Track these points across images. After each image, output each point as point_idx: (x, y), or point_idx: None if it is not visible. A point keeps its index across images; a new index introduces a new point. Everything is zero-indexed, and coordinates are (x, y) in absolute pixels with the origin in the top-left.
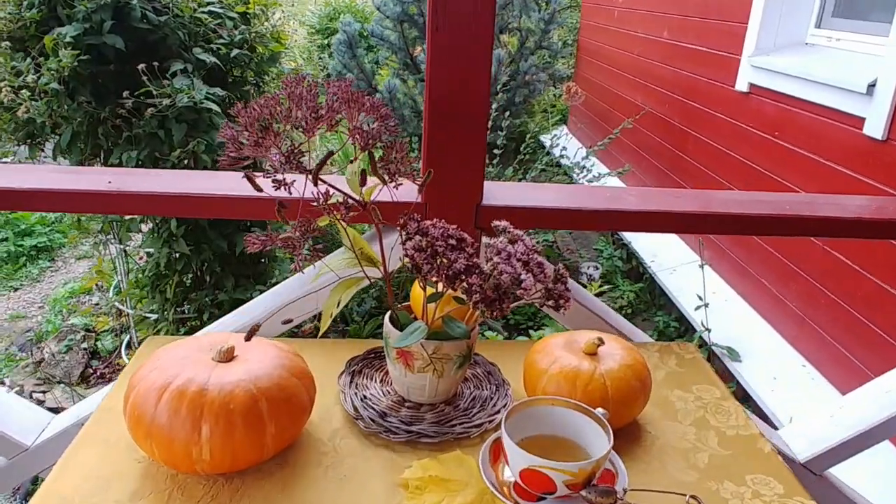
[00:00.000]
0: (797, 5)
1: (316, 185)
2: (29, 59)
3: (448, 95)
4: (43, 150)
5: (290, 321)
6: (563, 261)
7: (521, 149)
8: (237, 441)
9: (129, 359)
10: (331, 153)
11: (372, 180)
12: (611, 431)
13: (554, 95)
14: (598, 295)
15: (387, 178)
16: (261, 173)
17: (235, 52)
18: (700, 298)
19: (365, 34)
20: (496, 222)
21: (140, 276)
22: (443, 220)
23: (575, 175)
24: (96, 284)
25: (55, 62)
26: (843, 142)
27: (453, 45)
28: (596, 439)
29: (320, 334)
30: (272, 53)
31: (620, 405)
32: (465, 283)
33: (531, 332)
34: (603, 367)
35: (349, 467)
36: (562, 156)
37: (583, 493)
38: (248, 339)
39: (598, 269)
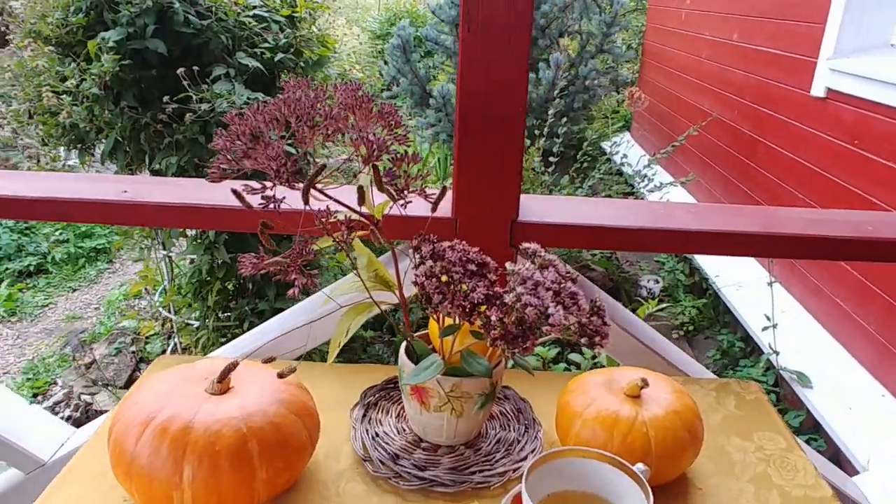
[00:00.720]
0: (880, 4)
1: (306, 202)
2: (73, 64)
3: (481, 98)
4: (93, 156)
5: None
6: (621, 273)
7: (579, 156)
8: (223, 486)
9: None
10: (322, 167)
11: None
12: (650, 492)
13: (616, 101)
14: (657, 311)
15: (394, 193)
16: (256, 186)
17: (280, 56)
18: (768, 318)
19: (420, 38)
20: (525, 245)
21: (184, 282)
22: (463, 242)
23: (636, 184)
24: (144, 289)
25: (97, 67)
26: None
27: (487, 40)
28: (633, 500)
29: (329, 362)
30: (318, 58)
31: (664, 459)
32: (483, 317)
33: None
34: (646, 412)
35: None
36: (623, 163)
37: None
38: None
39: (658, 282)
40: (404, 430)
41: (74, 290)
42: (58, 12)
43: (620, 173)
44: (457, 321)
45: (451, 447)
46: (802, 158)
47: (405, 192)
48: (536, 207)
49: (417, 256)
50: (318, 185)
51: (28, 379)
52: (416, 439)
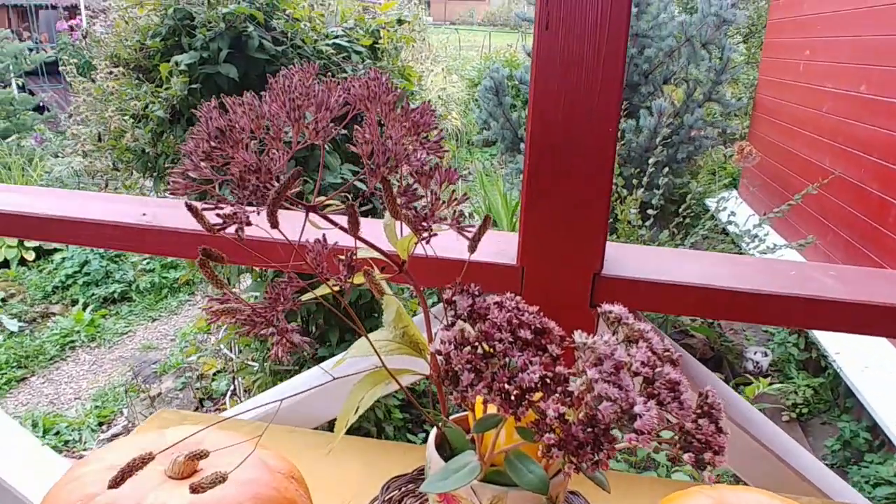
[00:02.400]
0: None
1: (273, 223)
2: (146, 88)
3: (560, 121)
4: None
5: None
6: (724, 342)
7: (681, 210)
8: None
9: (231, 406)
10: (298, 172)
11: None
12: None
13: (724, 155)
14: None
15: (413, 219)
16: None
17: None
18: None
19: (513, 81)
20: (606, 307)
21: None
22: (519, 298)
23: (744, 245)
24: (216, 325)
25: (165, 89)
26: None
27: (569, 50)
28: None
29: (330, 449)
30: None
31: None
32: (535, 410)
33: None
34: None
35: None
36: (729, 222)
37: None
38: (112, 486)
39: (767, 355)
40: None
41: (154, 320)
42: (136, 36)
43: (726, 232)
44: (499, 412)
45: None
46: None
47: (429, 220)
48: (627, 259)
49: (450, 314)
50: (319, 207)
51: (96, 406)
52: None
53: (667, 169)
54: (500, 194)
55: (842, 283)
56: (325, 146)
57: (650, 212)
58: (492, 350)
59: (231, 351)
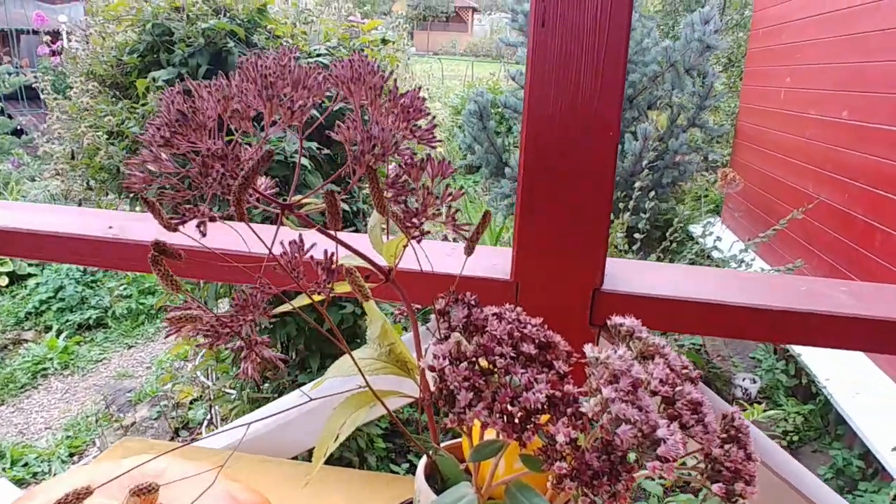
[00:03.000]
0: None
1: (240, 215)
2: (121, 104)
3: (556, 124)
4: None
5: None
6: (712, 369)
7: (668, 234)
8: None
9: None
10: (269, 153)
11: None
12: None
13: (707, 181)
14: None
15: (402, 216)
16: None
17: (341, 105)
18: None
19: (497, 109)
20: (616, 319)
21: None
22: (520, 309)
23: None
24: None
25: (142, 106)
26: None
27: (566, 48)
28: None
29: (306, 482)
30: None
31: None
32: (543, 435)
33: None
34: None
35: None
36: (714, 247)
37: None
38: None
39: (755, 382)
40: None
41: (130, 347)
42: (113, 52)
43: (711, 258)
44: (500, 437)
45: None
46: None
47: (421, 216)
48: (628, 274)
49: (444, 326)
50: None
51: (68, 436)
52: None
53: (652, 193)
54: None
55: (856, 298)
56: (304, 151)
57: (637, 236)
58: (492, 366)
59: (208, 378)
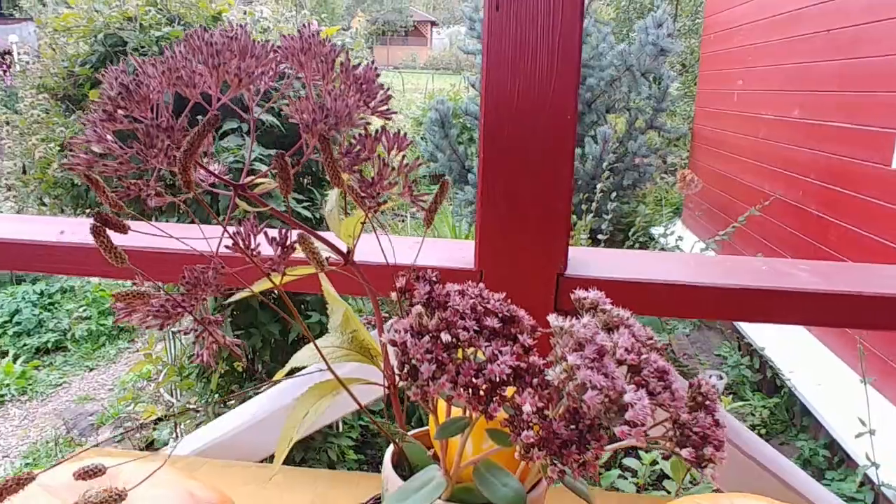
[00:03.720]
0: None
1: (187, 184)
2: (74, 116)
3: (514, 109)
4: None
5: None
6: (678, 367)
7: (631, 236)
8: None
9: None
10: (216, 117)
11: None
12: None
13: (667, 183)
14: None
15: (358, 187)
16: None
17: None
18: (863, 423)
19: (459, 119)
20: (580, 293)
21: (186, 362)
22: (482, 285)
23: None
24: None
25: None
26: None
27: (521, 31)
28: None
29: (271, 477)
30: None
31: None
32: (510, 406)
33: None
34: None
35: None
36: (676, 246)
37: None
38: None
39: (721, 378)
40: None
41: (91, 370)
42: (64, 63)
43: None
44: (467, 413)
45: None
46: (885, 239)
47: (377, 187)
48: (592, 260)
49: (406, 304)
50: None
51: (27, 464)
52: None
53: (614, 195)
54: (449, 228)
55: (816, 275)
56: (255, 110)
57: (600, 237)
58: (455, 340)
59: (172, 396)
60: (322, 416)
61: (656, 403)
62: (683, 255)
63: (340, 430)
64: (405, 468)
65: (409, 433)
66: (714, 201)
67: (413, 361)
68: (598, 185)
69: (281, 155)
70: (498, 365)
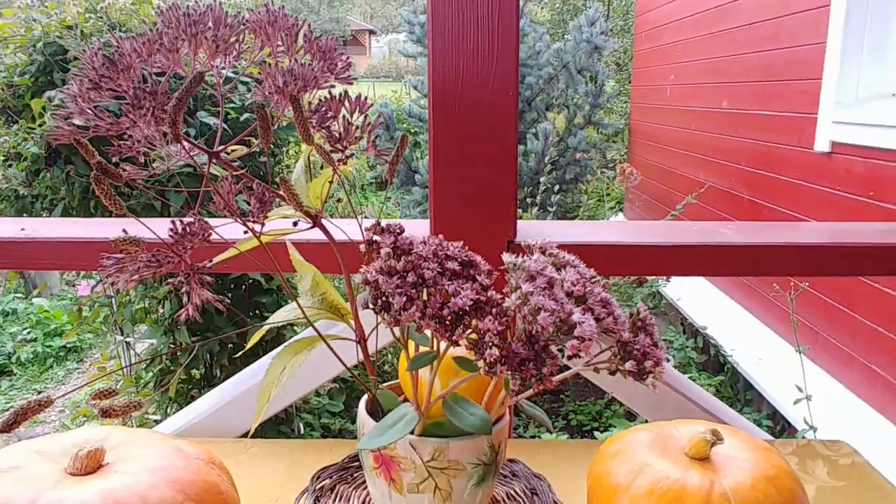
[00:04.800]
0: (877, 54)
1: (176, 136)
2: (17, 126)
3: (459, 90)
4: None
5: None
6: None
7: None
8: None
9: None
10: (200, 75)
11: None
12: None
13: (608, 178)
14: None
15: (328, 140)
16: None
17: (246, 116)
18: (800, 390)
19: (402, 121)
20: (530, 241)
21: (143, 371)
22: (441, 236)
23: None
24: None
25: (40, 125)
26: None
27: (462, 16)
28: None
29: (251, 432)
30: (290, 121)
31: None
32: (472, 332)
33: (596, 434)
34: (725, 480)
35: None
36: None
37: None
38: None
39: (669, 361)
40: None
41: (39, 393)
42: (3, 74)
43: None
44: (435, 346)
45: None
46: (812, 217)
47: (344, 141)
48: (540, 229)
49: (374, 254)
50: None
51: None
52: None
53: (557, 187)
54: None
55: (740, 233)
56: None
57: None
58: (420, 279)
59: None
60: (300, 379)
61: (601, 328)
62: (622, 222)
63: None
64: (378, 414)
65: (385, 385)
66: (653, 193)
67: (385, 296)
68: (542, 179)
69: (261, 106)
70: (460, 298)
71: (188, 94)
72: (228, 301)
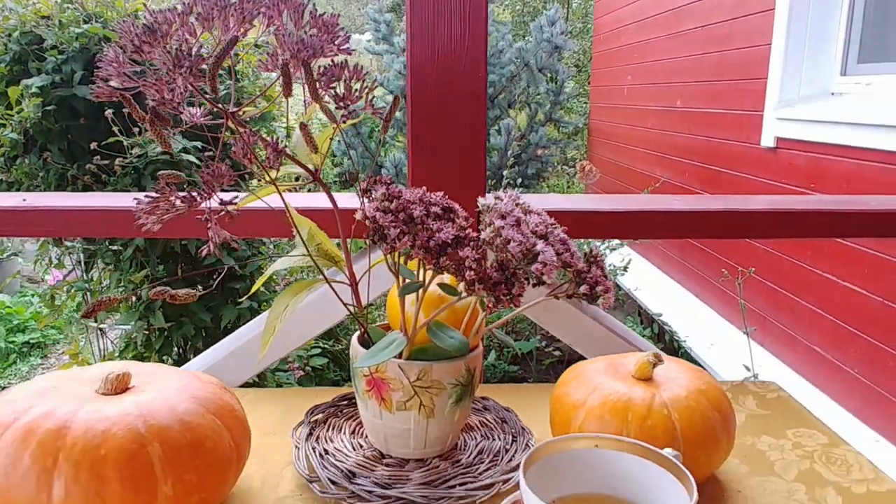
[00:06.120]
0: (818, 54)
1: (213, 87)
2: None
3: (435, 70)
4: None
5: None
6: None
7: None
8: None
9: None
10: (234, 38)
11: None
12: (692, 481)
13: (568, 175)
14: None
15: (333, 100)
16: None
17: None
18: (748, 369)
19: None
20: (496, 193)
21: (116, 358)
22: (424, 188)
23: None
24: None
25: (17, 112)
26: (892, 183)
27: (439, 5)
28: (665, 494)
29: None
30: (262, 112)
31: (695, 448)
32: (455, 258)
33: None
34: (665, 393)
35: None
36: None
37: None
38: (86, 315)
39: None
40: (361, 447)
41: (2, 389)
42: None
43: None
44: (421, 274)
45: (421, 461)
46: None
47: (346, 99)
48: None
49: (367, 201)
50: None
51: None
52: (378, 455)
53: (520, 181)
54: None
55: (685, 203)
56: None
57: None
58: (410, 218)
59: None
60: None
61: (561, 262)
62: (585, 196)
63: None
64: (369, 346)
65: (376, 325)
66: (611, 189)
67: (382, 229)
68: (505, 174)
69: (285, 63)
70: (443, 233)
71: (226, 54)
72: (201, 290)
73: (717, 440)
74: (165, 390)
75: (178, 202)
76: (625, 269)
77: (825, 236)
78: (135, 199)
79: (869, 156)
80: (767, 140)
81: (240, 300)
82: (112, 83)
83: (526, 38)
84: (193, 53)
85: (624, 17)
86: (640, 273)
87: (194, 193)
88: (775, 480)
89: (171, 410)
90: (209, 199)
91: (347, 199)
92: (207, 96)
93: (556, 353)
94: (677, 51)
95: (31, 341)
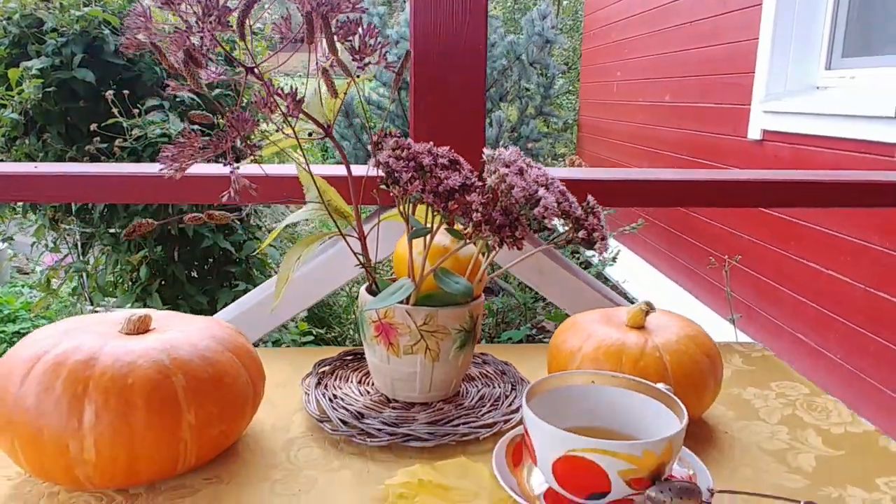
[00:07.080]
0: (803, 49)
1: (243, 36)
2: None
3: (438, 44)
4: None
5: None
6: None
7: None
8: (137, 431)
9: None
10: None
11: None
12: (682, 407)
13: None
14: None
15: (349, 52)
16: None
17: (217, 91)
18: None
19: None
20: (498, 149)
21: None
22: (431, 143)
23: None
24: None
25: (17, 93)
26: (871, 170)
27: None
28: (659, 427)
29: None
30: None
31: (685, 388)
32: (461, 202)
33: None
34: (657, 339)
35: (306, 480)
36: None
37: (650, 491)
38: (128, 236)
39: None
40: (368, 392)
41: None
42: None
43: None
44: (429, 221)
45: (426, 404)
46: None
47: (362, 52)
48: None
49: (379, 151)
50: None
51: None
52: (384, 399)
53: None
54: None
55: (675, 175)
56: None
57: None
58: (420, 166)
59: None
60: (309, 255)
61: (560, 210)
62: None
63: None
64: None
65: (385, 279)
66: None
67: (395, 173)
68: None
69: (308, 13)
70: (451, 180)
71: (253, 3)
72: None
73: (706, 382)
74: (186, 331)
75: (203, 147)
76: (613, 259)
77: (805, 206)
78: (161, 146)
79: (851, 146)
80: (754, 133)
81: (236, 283)
82: (139, 36)
83: (517, 34)
84: (220, 4)
85: (614, 13)
86: (627, 265)
87: (219, 137)
88: (760, 424)
89: (192, 346)
90: (234, 142)
91: (355, 169)
92: (234, 47)
93: (547, 341)
94: (665, 46)
95: (22, 331)
